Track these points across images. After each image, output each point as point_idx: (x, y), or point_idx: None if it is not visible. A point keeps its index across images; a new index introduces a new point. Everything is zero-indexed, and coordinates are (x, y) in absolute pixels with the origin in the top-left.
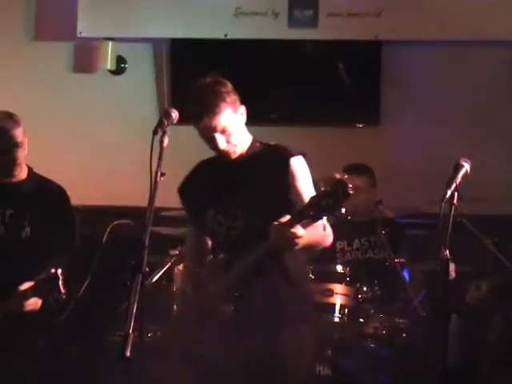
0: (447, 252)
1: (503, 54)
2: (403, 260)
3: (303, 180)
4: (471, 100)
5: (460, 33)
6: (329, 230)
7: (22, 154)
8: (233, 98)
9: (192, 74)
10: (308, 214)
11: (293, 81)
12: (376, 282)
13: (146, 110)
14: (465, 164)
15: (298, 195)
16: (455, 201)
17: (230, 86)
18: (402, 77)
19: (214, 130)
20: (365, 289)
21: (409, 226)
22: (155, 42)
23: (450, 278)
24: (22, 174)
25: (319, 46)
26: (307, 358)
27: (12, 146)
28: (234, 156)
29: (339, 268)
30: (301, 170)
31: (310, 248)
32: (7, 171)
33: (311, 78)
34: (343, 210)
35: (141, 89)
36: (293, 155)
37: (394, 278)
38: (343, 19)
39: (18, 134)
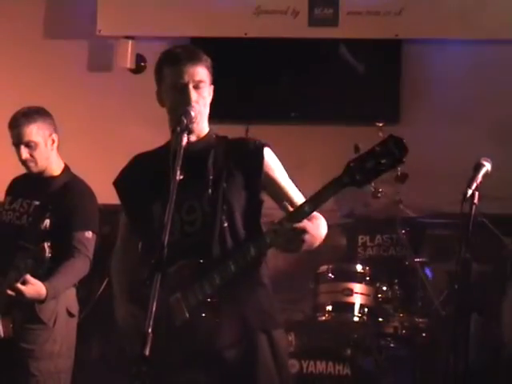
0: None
1: None
2: (424, 259)
3: (280, 169)
4: (492, 98)
5: (481, 31)
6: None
7: (34, 152)
8: (210, 65)
9: (212, 73)
10: (353, 179)
11: (313, 80)
12: (396, 281)
13: (165, 109)
14: (486, 163)
15: (277, 186)
16: (476, 200)
17: None
18: (421, 75)
19: (191, 78)
20: (384, 288)
21: (429, 225)
22: (175, 41)
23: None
24: (52, 170)
25: (339, 45)
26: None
27: (19, 142)
28: (192, 136)
29: (359, 267)
30: (273, 159)
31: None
32: (23, 164)
33: (331, 77)
34: None
35: None
36: (264, 145)
37: (414, 278)
38: (363, 18)
39: (27, 132)
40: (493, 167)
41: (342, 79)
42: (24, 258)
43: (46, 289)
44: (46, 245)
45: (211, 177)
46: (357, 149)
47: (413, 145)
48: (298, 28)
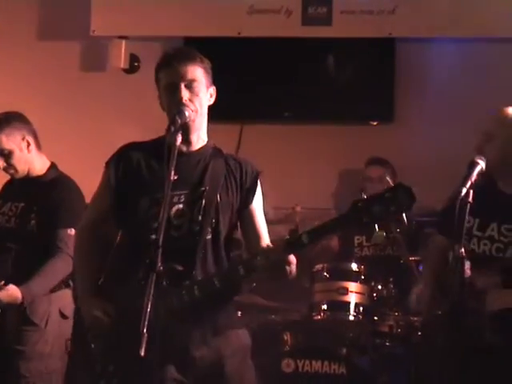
0: (462, 250)
1: None
2: (419, 258)
3: (261, 200)
4: (485, 97)
5: (474, 30)
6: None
7: (11, 160)
8: (207, 66)
9: None
10: (359, 221)
11: (306, 79)
12: (391, 280)
13: (159, 109)
14: (480, 161)
15: (254, 217)
16: (470, 199)
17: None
18: (415, 74)
19: (182, 77)
20: (380, 287)
21: (424, 224)
22: (168, 40)
23: (466, 276)
24: (35, 170)
25: (333, 44)
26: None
27: None
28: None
29: (354, 266)
30: (260, 188)
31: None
32: (5, 172)
33: (325, 76)
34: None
35: (154, 87)
36: (259, 173)
37: (409, 276)
38: (357, 17)
39: (0, 141)
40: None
41: (335, 78)
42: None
43: (22, 292)
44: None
45: (207, 187)
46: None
47: (407, 143)
48: (292, 27)
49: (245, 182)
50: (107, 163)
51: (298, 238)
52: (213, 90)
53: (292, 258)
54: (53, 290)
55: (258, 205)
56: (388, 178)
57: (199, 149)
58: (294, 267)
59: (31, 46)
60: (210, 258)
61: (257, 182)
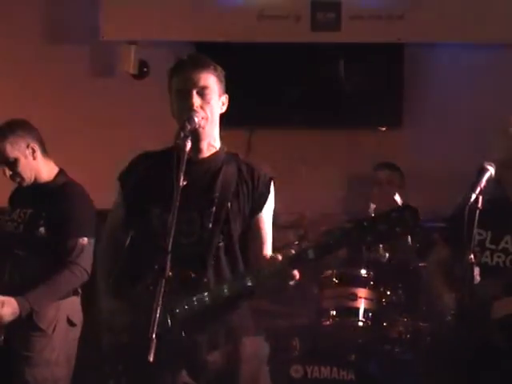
0: (472, 256)
1: None
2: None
3: (271, 208)
4: (493, 103)
5: (482, 35)
6: None
7: (16, 168)
8: (220, 74)
9: None
10: (363, 238)
11: (315, 84)
12: (400, 285)
13: (168, 114)
14: (489, 167)
15: (262, 226)
16: (479, 205)
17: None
18: (424, 79)
19: (195, 84)
20: (389, 293)
21: (432, 229)
22: (178, 46)
23: (475, 282)
24: (43, 177)
25: (342, 49)
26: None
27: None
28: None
29: (363, 272)
30: (273, 196)
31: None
32: (12, 180)
33: (334, 81)
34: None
35: (163, 93)
36: (272, 178)
37: (418, 282)
38: (366, 22)
39: (1, 150)
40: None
41: (344, 83)
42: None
43: (19, 304)
44: None
45: (218, 194)
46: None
47: (415, 148)
48: (301, 32)
49: (256, 188)
50: (118, 177)
51: (303, 253)
52: (225, 98)
53: (296, 272)
54: (59, 298)
55: (267, 211)
56: (397, 197)
57: (210, 156)
58: (294, 284)
59: (41, 49)
60: (224, 265)
61: (269, 188)
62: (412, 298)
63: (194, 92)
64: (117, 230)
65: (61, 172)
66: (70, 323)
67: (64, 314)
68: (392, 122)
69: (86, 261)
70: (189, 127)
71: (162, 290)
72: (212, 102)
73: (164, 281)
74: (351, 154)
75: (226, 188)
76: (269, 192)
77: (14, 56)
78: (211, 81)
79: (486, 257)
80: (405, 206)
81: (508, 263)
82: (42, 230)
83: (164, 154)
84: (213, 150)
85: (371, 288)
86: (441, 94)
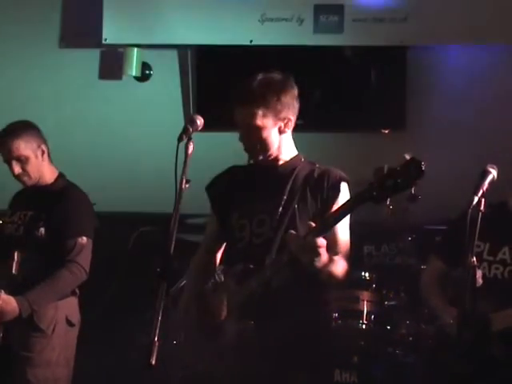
0: (474, 259)
1: None
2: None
3: None
4: (497, 105)
5: (485, 38)
6: (345, 266)
7: (26, 166)
8: (274, 97)
9: (217, 81)
10: (369, 195)
11: (318, 87)
12: (402, 288)
13: (171, 117)
14: (492, 170)
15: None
16: (482, 207)
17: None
18: (427, 82)
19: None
20: (391, 295)
21: (436, 232)
22: (180, 49)
23: (477, 284)
24: (45, 179)
25: (344, 52)
26: None
27: (10, 158)
28: (270, 160)
29: (365, 275)
30: (346, 196)
31: (328, 273)
32: (17, 179)
33: (337, 84)
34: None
35: (166, 95)
36: (343, 179)
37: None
38: (369, 25)
39: (15, 147)
40: (499, 174)
41: (347, 86)
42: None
43: (18, 304)
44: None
45: (285, 197)
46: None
47: (419, 151)
48: (304, 35)
49: (325, 189)
50: (206, 188)
51: (325, 220)
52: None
53: (322, 240)
54: (59, 298)
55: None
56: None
57: (283, 163)
58: (322, 251)
59: (46, 54)
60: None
61: (338, 189)
62: (414, 301)
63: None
64: (211, 241)
65: (61, 175)
66: (69, 323)
67: (63, 314)
68: (395, 125)
69: (84, 260)
70: (190, 130)
71: (164, 293)
72: (266, 134)
73: (166, 284)
74: (354, 156)
75: (294, 191)
76: (338, 192)
77: (26, 60)
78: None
79: (484, 268)
80: (411, 159)
81: (506, 275)
82: (41, 230)
83: (247, 167)
84: (286, 158)
85: (374, 291)
86: (444, 97)
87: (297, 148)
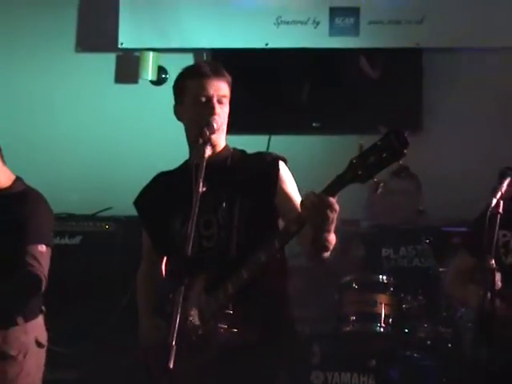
0: (493, 261)
1: None
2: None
3: (291, 184)
4: None
5: (501, 40)
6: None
7: None
8: (231, 82)
9: (233, 84)
10: (355, 174)
11: (334, 89)
12: (420, 291)
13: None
14: (510, 172)
15: (288, 199)
16: (501, 209)
17: None
18: (443, 84)
19: (216, 91)
20: (409, 298)
21: (454, 234)
22: (196, 52)
23: (497, 288)
24: (0, 183)
25: (361, 54)
26: None
27: None
28: (214, 150)
29: (383, 278)
30: (288, 173)
31: (330, 241)
32: None
33: (353, 87)
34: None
35: None
36: (280, 158)
37: (438, 287)
38: (384, 27)
39: None
40: None
41: (363, 89)
42: None
43: None
44: None
45: (225, 189)
46: (361, 148)
47: (435, 153)
48: (319, 38)
49: (264, 171)
50: (133, 203)
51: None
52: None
53: (333, 201)
54: (28, 319)
55: (287, 188)
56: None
57: (217, 154)
58: (333, 215)
59: (62, 58)
60: (245, 257)
61: (277, 166)
62: (432, 304)
63: (215, 99)
64: (150, 256)
65: (18, 179)
66: (39, 345)
67: (32, 337)
68: (412, 127)
69: (43, 268)
70: (207, 133)
71: (181, 298)
72: (226, 110)
73: (183, 288)
74: None
75: (234, 183)
76: (276, 167)
77: (44, 65)
78: (227, 90)
79: None
80: (389, 131)
81: None
82: None
83: (177, 171)
84: (218, 149)
85: (391, 294)
86: (460, 99)
87: (312, 150)
